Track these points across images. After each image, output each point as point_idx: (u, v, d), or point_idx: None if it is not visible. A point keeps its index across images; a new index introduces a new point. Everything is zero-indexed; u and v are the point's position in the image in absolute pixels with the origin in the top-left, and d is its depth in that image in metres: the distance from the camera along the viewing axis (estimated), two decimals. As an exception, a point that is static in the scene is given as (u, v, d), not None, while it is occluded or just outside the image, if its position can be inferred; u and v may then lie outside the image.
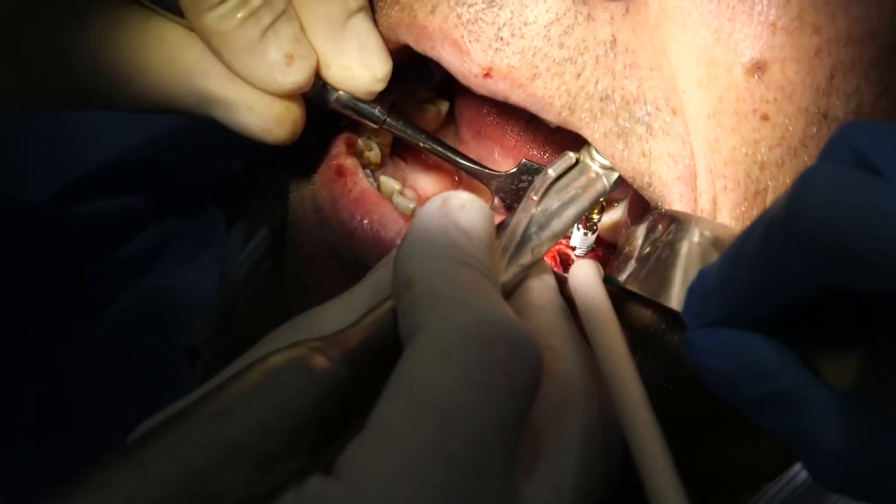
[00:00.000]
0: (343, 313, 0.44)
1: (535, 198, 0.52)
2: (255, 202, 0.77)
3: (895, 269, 0.34)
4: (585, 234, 0.58)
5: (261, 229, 0.75)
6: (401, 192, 0.60)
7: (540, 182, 0.53)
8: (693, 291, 0.44)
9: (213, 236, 0.75)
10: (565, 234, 0.54)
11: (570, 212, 0.53)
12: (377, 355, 0.40)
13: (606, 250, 0.60)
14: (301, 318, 0.46)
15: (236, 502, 0.35)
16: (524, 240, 0.51)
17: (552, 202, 0.53)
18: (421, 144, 0.59)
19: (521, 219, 0.51)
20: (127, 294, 0.74)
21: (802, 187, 0.36)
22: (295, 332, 0.44)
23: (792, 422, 0.39)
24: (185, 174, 0.77)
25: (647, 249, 0.53)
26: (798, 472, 0.64)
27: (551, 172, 0.53)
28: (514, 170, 0.59)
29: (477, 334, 0.39)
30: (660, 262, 0.51)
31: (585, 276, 0.51)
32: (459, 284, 0.41)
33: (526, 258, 0.51)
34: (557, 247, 0.59)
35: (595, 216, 0.57)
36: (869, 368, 0.39)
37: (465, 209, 0.44)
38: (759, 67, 0.51)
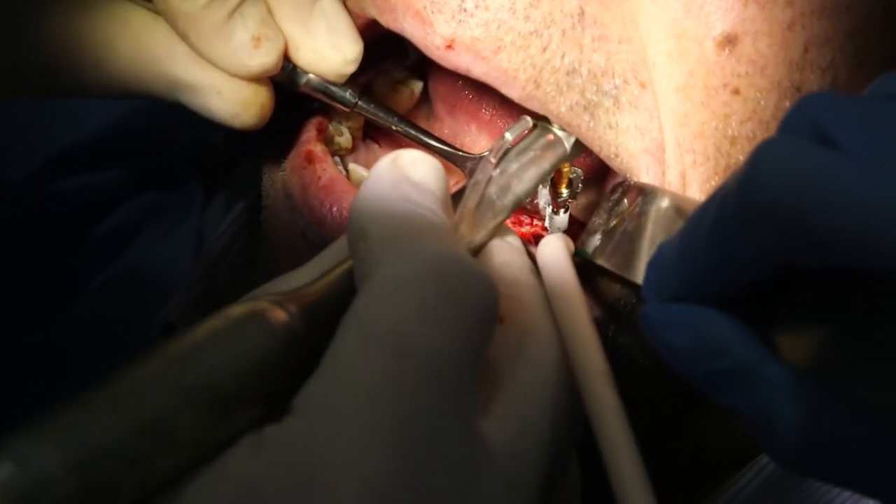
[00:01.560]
0: (308, 278, 0.44)
1: (492, 160, 0.52)
2: (234, 175, 0.76)
3: (849, 244, 0.33)
4: (556, 212, 0.57)
5: (238, 203, 0.75)
6: None
7: (497, 145, 0.53)
8: (652, 265, 0.44)
9: (191, 210, 0.75)
10: (528, 197, 0.53)
11: (531, 173, 0.53)
12: (335, 311, 0.40)
13: (581, 231, 0.60)
14: (267, 286, 0.45)
15: (193, 443, 0.35)
16: (485, 202, 0.51)
17: (511, 164, 0.52)
18: (393, 128, 0.59)
19: (479, 179, 0.51)
20: (107, 270, 0.73)
21: (757, 161, 0.36)
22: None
23: (748, 399, 0.38)
24: (165, 147, 0.76)
25: (614, 223, 0.52)
26: None
27: (508, 136, 0.53)
28: (487, 152, 0.58)
29: (431, 269, 0.38)
30: (626, 235, 0.50)
31: (553, 249, 0.50)
32: (415, 228, 0.41)
33: (489, 221, 0.50)
34: (532, 229, 0.58)
35: (564, 191, 0.57)
36: (830, 345, 0.38)
37: (416, 164, 0.44)
38: (730, 41, 0.50)
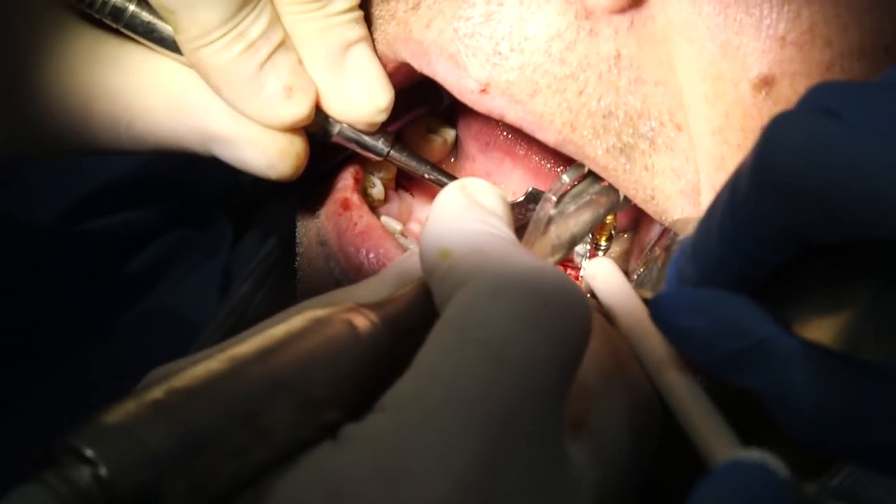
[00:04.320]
0: (368, 294, 0.44)
1: (553, 199, 0.52)
2: (265, 213, 0.76)
3: (860, 211, 0.34)
4: None
5: (268, 241, 0.75)
6: (402, 233, 0.59)
7: (556, 186, 0.53)
8: (673, 263, 0.44)
9: (219, 249, 0.75)
10: (583, 238, 0.54)
11: (587, 216, 0.53)
12: (413, 324, 0.40)
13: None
14: (324, 296, 0.45)
15: (284, 440, 0.35)
16: (546, 240, 0.51)
17: (568, 206, 0.53)
18: (426, 176, 0.58)
19: (541, 217, 0.52)
20: (134, 308, 0.73)
21: (769, 135, 0.36)
22: (319, 304, 0.43)
23: (765, 376, 0.38)
24: (195, 186, 0.77)
25: (642, 269, 0.52)
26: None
27: (565, 178, 0.53)
28: (522, 198, 0.58)
29: (529, 279, 0.38)
30: (655, 266, 0.51)
31: (600, 265, 0.50)
32: (499, 245, 0.41)
33: (548, 258, 0.51)
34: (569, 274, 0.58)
35: (603, 242, 0.56)
36: (847, 321, 0.38)
37: (485, 192, 0.45)
38: (766, 83, 0.49)
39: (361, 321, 0.38)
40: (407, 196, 0.64)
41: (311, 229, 0.60)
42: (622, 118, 0.51)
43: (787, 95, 0.49)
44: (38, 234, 0.70)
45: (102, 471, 0.31)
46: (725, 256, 0.39)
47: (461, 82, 0.52)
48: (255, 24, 0.50)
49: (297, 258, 0.62)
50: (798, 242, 0.37)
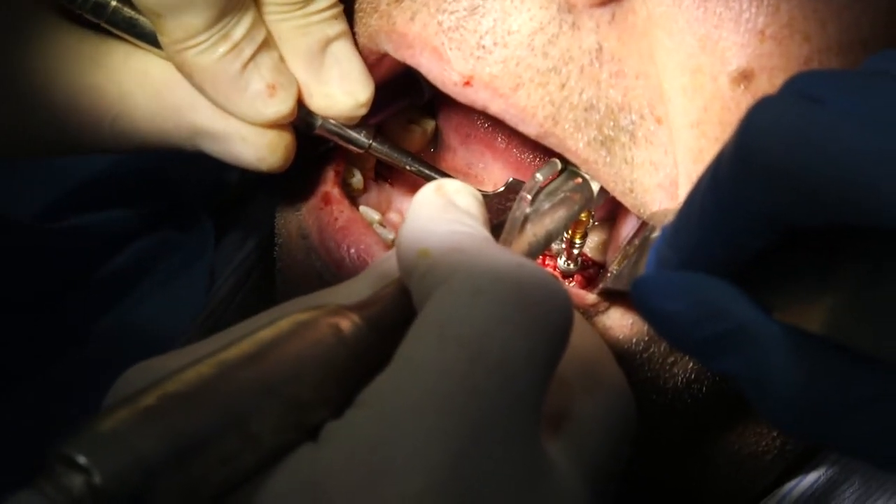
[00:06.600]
0: (350, 295, 0.44)
1: (528, 197, 0.52)
2: (248, 212, 0.77)
3: (843, 195, 0.34)
4: (568, 264, 0.58)
5: (248, 243, 0.75)
6: (381, 223, 0.60)
7: (530, 185, 0.53)
8: (653, 247, 0.44)
9: (204, 249, 0.75)
10: (560, 235, 0.54)
11: (562, 213, 0.53)
12: (393, 323, 0.41)
13: (595, 269, 0.60)
14: (306, 297, 0.45)
15: (272, 445, 0.36)
16: (523, 238, 0.51)
17: (543, 203, 0.53)
18: (407, 167, 0.59)
19: (517, 216, 0.52)
20: (115, 309, 0.73)
21: (751, 118, 0.36)
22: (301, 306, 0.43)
23: (745, 361, 0.38)
24: (177, 185, 0.76)
25: (616, 267, 0.53)
26: (790, 490, 0.63)
27: (539, 177, 0.53)
28: (502, 188, 0.59)
29: (509, 276, 0.38)
30: (630, 260, 0.51)
31: None
32: (477, 244, 0.41)
33: (524, 255, 0.51)
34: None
35: (578, 241, 0.57)
36: (830, 308, 0.38)
37: (460, 193, 0.45)
38: (745, 76, 0.50)
39: (346, 324, 0.39)
40: (386, 186, 0.64)
41: (292, 222, 0.60)
42: (603, 111, 0.51)
43: (766, 90, 0.50)
44: (16, 231, 0.69)
45: (96, 478, 0.32)
46: (706, 240, 0.39)
47: (444, 75, 0.53)
48: (239, 25, 0.50)
49: (276, 250, 0.62)
50: (779, 226, 0.37)
